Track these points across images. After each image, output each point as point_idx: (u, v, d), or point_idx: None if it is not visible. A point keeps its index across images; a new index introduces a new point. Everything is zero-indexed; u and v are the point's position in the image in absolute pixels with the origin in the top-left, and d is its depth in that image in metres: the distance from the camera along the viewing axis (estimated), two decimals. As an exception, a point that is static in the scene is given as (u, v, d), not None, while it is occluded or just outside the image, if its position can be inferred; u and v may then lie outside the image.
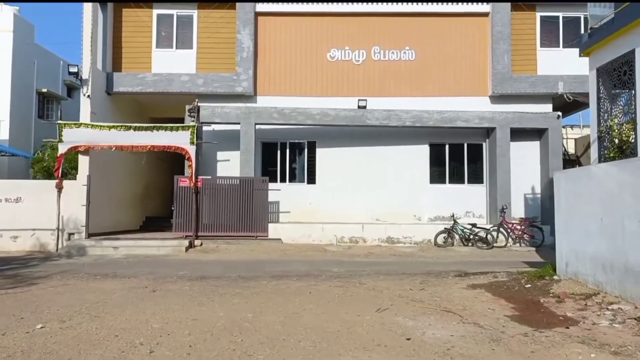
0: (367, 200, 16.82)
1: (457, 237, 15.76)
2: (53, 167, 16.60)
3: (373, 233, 15.83)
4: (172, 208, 15.17)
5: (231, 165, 16.52)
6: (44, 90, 24.74)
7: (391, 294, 8.37)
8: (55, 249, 14.38)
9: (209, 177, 15.59)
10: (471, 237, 15.69)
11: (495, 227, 15.73)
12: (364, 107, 16.15)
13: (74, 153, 15.06)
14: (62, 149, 14.60)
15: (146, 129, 14.87)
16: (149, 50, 16.69)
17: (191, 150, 15.04)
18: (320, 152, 17.08)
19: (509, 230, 15.80)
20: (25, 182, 15.55)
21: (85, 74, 14.96)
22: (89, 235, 14.70)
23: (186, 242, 14.49)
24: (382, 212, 16.78)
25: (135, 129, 14.82)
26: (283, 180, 17.09)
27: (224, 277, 10.12)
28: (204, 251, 14.23)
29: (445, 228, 15.79)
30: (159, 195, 20.38)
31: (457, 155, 17.25)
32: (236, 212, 15.29)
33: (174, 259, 12.98)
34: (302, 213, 16.64)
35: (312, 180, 17.11)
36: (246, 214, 15.30)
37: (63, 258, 13.18)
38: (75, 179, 14.95)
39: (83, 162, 14.90)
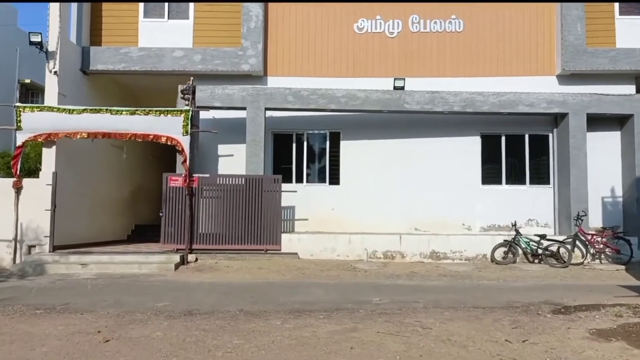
0: (404, 205, 13.71)
1: (520, 251, 12.56)
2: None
3: (413, 246, 12.70)
4: (160, 214, 12.19)
5: (235, 161, 13.55)
6: (27, 81, 22.16)
7: (483, 351, 5.26)
8: (14, 264, 11.45)
9: (207, 175, 12.60)
10: (539, 251, 12.49)
11: (570, 239, 12.52)
12: (402, 87, 13.07)
13: (38, 143, 12.18)
14: (20, 138, 11.73)
15: (127, 113, 11.95)
16: (135, 21, 13.78)
17: (184, 142, 12.08)
18: (345, 146, 14.02)
19: (587, 243, 12.57)
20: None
21: (52, 46, 12.07)
22: (55, 248, 11.76)
23: (177, 258, 11.49)
24: (423, 220, 13.65)
25: (113, 113, 11.91)
26: (299, 180, 14.06)
27: (219, 312, 7.10)
28: (199, 269, 11.20)
29: (505, 240, 12.62)
30: (152, 200, 17.48)
31: (517, 149, 14.08)
32: (241, 220, 12.27)
33: (157, 280, 9.96)
34: (323, 221, 13.59)
35: (335, 180, 14.05)
36: (253, 221, 12.28)
37: (13, 278, 10.22)
38: (39, 177, 12.03)
39: (48, 155, 12.00)
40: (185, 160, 12.06)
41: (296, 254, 12.36)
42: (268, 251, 12.31)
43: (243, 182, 12.43)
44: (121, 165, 15.13)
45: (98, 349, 5.36)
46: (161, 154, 17.78)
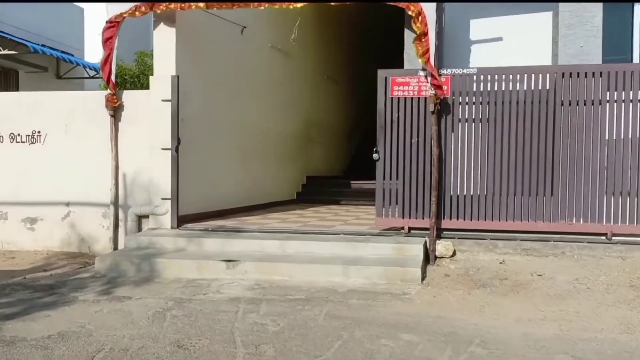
0: None
1: None
2: (130, 76, 8.68)
3: None
4: (375, 154, 5.99)
5: (507, 49, 6.92)
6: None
7: None
8: (112, 249, 6.33)
9: (473, 69, 5.97)
10: None
11: None
12: None
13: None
14: (112, 11, 6.30)
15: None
16: None
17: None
18: None
19: None
20: (45, 96, 7.33)
21: None
22: (180, 221, 6.33)
23: (417, 249, 5.34)
24: None
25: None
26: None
27: None
28: (475, 282, 4.89)
29: None
30: (327, 142, 11.73)
31: None
32: (543, 168, 5.66)
33: (394, 324, 3.81)
34: None
35: None
36: (574, 172, 5.59)
37: (88, 290, 4.86)
38: (148, 88, 6.62)
39: (163, 44, 6.47)
40: (425, 38, 5.59)
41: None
42: (614, 236, 5.54)
43: (550, 85, 5.68)
44: (288, 79, 9.43)
45: None
46: (340, 76, 11.89)
